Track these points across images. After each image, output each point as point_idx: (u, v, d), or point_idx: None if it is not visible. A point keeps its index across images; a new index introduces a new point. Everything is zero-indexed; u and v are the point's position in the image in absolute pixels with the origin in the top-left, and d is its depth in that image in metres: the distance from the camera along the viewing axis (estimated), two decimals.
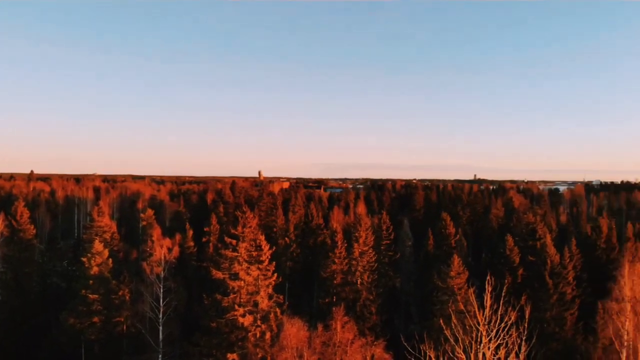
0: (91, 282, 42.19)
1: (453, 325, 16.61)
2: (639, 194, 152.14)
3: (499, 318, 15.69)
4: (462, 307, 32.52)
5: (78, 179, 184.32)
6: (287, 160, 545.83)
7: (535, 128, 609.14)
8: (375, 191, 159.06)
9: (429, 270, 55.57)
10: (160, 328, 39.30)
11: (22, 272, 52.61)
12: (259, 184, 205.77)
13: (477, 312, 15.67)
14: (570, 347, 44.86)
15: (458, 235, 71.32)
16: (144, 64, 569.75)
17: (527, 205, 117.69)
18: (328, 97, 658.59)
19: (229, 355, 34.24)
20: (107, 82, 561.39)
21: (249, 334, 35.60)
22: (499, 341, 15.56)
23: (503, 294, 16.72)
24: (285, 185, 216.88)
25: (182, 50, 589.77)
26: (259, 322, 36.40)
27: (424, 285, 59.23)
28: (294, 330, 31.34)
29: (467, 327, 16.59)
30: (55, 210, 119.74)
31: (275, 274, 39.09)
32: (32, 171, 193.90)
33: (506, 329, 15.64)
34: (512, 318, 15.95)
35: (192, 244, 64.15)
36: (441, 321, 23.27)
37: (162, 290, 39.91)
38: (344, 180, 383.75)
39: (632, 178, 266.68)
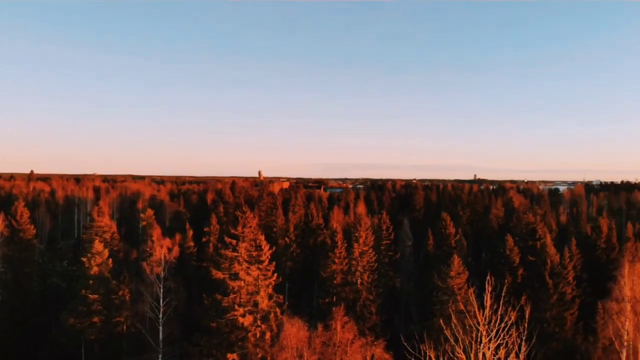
0: (91, 282, 42.20)
1: (453, 325, 16.62)
2: (639, 194, 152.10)
3: (499, 318, 15.69)
4: (462, 307, 32.52)
5: (78, 179, 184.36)
6: (287, 160, 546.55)
7: (535, 128, 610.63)
8: (375, 191, 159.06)
9: (429, 270, 55.58)
10: (160, 328, 39.31)
11: (22, 272, 52.62)
12: (259, 184, 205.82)
13: (477, 312, 15.68)
14: (570, 347, 44.86)
15: (458, 235, 71.33)
16: (144, 64, 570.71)
17: (527, 205, 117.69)
18: (328, 97, 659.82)
19: (229, 355, 34.24)
20: (106, 82, 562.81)
21: (249, 334, 35.61)
22: (499, 341, 15.57)
23: (503, 294, 16.72)
24: (285, 185, 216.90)
25: (182, 50, 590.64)
26: (259, 322, 36.41)
27: (424, 285, 59.25)
28: (294, 330, 31.33)
29: (467, 327, 16.60)
30: (55, 210, 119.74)
31: (275, 274, 39.10)
32: (32, 171, 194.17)
33: (506, 329, 15.65)
34: (512, 318, 15.96)
35: (192, 244, 64.14)
36: (441, 321, 23.27)
37: (162, 290, 39.92)
38: (344, 180, 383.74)
39: (632, 178, 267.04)
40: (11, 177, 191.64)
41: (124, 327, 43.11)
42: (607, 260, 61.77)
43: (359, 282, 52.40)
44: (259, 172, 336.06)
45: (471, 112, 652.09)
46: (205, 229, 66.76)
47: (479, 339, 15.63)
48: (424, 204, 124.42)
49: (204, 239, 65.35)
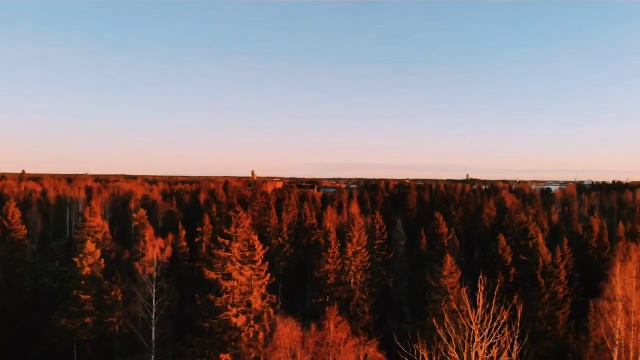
0: (83, 282, 42.00)
1: (446, 324, 16.66)
2: (630, 194, 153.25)
3: (491, 317, 15.74)
4: (455, 306, 32.57)
5: (70, 179, 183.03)
6: (281, 160, 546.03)
7: (527, 128, 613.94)
8: (369, 191, 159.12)
9: (422, 270, 55.72)
10: (153, 329, 39.18)
11: (13, 273, 52.28)
12: (253, 184, 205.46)
13: (469, 312, 15.72)
14: (562, 346, 45.13)
15: (451, 235, 71.57)
16: (139, 64, 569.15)
17: (519, 205, 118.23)
18: (322, 98, 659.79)
19: (222, 355, 34.14)
20: (100, 82, 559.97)
21: (242, 334, 35.53)
22: (491, 340, 15.62)
23: (495, 294, 16.78)
24: (279, 185, 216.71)
25: (178, 50, 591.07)
26: (252, 323, 36.33)
27: (417, 285, 59.40)
28: (288, 330, 31.29)
29: (460, 326, 16.64)
30: (47, 210, 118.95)
31: (269, 274, 39.04)
32: (23, 171, 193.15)
33: (499, 328, 15.70)
34: (505, 317, 16.01)
35: (185, 244, 63.98)
36: (434, 320, 23.35)
37: (154, 291, 39.79)
38: (338, 180, 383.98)
39: (624, 178, 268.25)
40: (2, 177, 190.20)
41: (117, 328, 42.93)
42: (598, 260, 62.22)
43: (352, 282, 52.43)
44: (253, 172, 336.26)
45: (464, 113, 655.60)
46: (198, 229, 66.60)
47: (471, 338, 15.67)
48: (417, 204, 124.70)
49: (197, 240, 65.19)
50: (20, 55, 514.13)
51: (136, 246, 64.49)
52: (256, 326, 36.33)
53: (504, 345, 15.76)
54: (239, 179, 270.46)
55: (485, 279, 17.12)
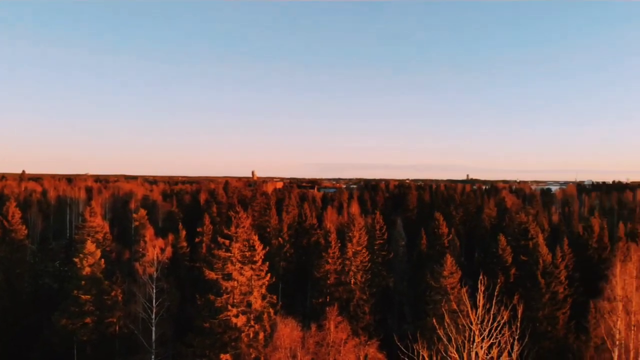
0: (83, 282, 41.99)
1: (446, 324, 16.65)
2: (630, 194, 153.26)
3: (491, 317, 15.74)
4: (455, 306, 32.55)
5: (70, 179, 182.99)
6: (281, 160, 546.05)
7: (527, 128, 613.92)
8: (369, 191, 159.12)
9: (422, 270, 55.70)
10: (153, 329, 39.17)
11: (13, 273, 52.27)
12: (253, 184, 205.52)
13: (469, 312, 15.72)
14: (562, 346, 45.12)
15: (451, 235, 71.58)
16: (139, 64, 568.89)
17: (519, 205, 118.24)
18: (322, 98, 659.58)
19: (222, 355, 34.13)
20: (99, 82, 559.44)
21: (242, 334, 35.52)
22: (491, 340, 15.62)
23: (495, 294, 16.78)
24: (279, 185, 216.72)
25: (178, 50, 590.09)
26: (252, 323, 36.32)
27: (417, 285, 59.39)
28: (288, 330, 31.28)
29: (460, 326, 16.64)
30: (47, 210, 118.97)
31: (269, 274, 39.03)
32: (23, 171, 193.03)
33: (499, 328, 15.70)
34: (505, 317, 16.01)
35: (185, 244, 63.96)
36: (434, 320, 23.34)
37: (154, 291, 39.78)
38: (338, 180, 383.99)
39: (624, 178, 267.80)
40: (2, 177, 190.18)
41: (117, 328, 42.92)
42: (598, 260, 62.21)
43: (352, 282, 52.43)
44: (253, 172, 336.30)
45: (464, 113, 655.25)
46: (198, 229, 66.60)
47: (471, 338, 15.67)
48: (417, 204, 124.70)
49: (197, 240, 65.19)
50: (20, 55, 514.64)
51: (136, 246, 64.47)
52: (256, 326, 36.33)
53: (504, 345, 15.76)
54: (239, 179, 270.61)
55: (485, 279, 17.12)
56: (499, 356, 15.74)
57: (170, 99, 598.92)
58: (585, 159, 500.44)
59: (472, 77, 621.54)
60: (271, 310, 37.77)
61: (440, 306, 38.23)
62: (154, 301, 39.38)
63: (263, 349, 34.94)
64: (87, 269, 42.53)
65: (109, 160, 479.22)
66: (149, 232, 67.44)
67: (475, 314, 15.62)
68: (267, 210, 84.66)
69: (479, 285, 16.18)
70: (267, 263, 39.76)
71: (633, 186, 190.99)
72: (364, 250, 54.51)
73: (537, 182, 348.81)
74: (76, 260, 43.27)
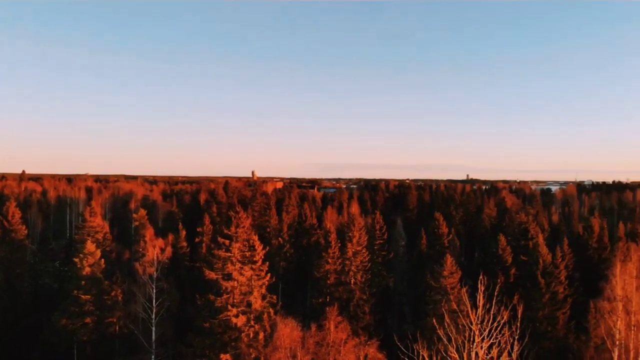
0: (83, 282, 41.99)
1: (446, 324, 16.65)
2: (630, 194, 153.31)
3: (491, 317, 15.74)
4: (455, 306, 32.56)
5: (70, 179, 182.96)
6: (281, 160, 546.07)
7: (527, 128, 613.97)
8: (369, 191, 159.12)
9: (422, 270, 55.70)
10: (153, 329, 39.16)
11: (13, 273, 52.27)
12: (253, 184, 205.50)
13: (469, 312, 15.72)
14: (562, 346, 45.13)
15: (451, 235, 71.58)
16: (138, 63, 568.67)
17: (519, 205, 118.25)
18: (321, 98, 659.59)
19: (222, 355, 34.13)
20: (100, 82, 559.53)
21: (242, 334, 35.52)
22: (491, 340, 15.62)
23: (495, 294, 16.78)
24: (279, 185, 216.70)
25: (178, 50, 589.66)
26: (252, 323, 36.32)
27: (417, 285, 59.39)
28: (288, 330, 31.29)
29: (460, 326, 16.64)
30: (47, 210, 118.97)
31: (269, 274, 39.03)
32: (23, 171, 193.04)
33: (499, 328, 15.70)
34: (505, 317, 16.01)
35: (185, 244, 63.96)
36: (434, 320, 23.35)
37: (154, 291, 39.77)
38: (338, 180, 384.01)
39: (624, 178, 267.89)
40: (2, 177, 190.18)
41: (117, 328, 42.92)
42: (598, 260, 62.21)
43: (352, 282, 52.42)
44: (253, 172, 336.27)
45: (464, 113, 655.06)
46: (198, 229, 66.59)
47: (471, 338, 15.67)
48: (417, 204, 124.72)
49: (197, 240, 65.19)
50: (20, 55, 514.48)
51: (136, 246, 64.47)
52: (256, 326, 36.33)
53: (504, 345, 15.76)
54: (239, 179, 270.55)
55: (485, 279, 17.12)
56: (499, 356, 15.74)
57: (169, 99, 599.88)
58: (585, 159, 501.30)
59: (472, 77, 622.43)
60: (271, 310, 37.77)
61: (440, 306, 38.23)
62: (154, 301, 39.38)
63: (263, 349, 34.94)
64: (87, 269, 42.53)
65: (109, 160, 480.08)
66: (149, 232, 67.45)
67: (475, 314, 15.62)
68: (267, 210, 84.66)
69: (479, 285, 16.18)
70: (267, 263, 39.77)
71: (633, 186, 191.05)
72: (364, 250, 54.51)
73: (537, 182, 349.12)
74: (76, 260, 43.27)
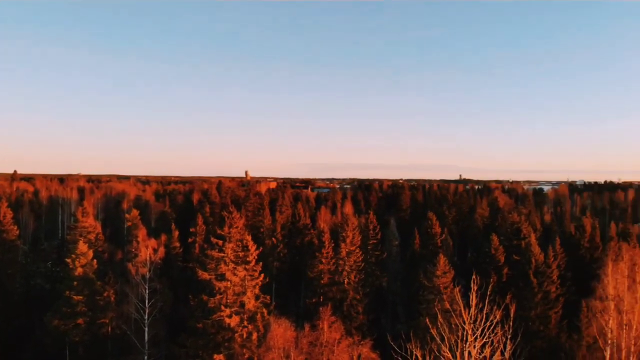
0: (75, 283, 41.79)
1: (439, 324, 16.67)
2: (622, 194, 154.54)
3: (484, 317, 15.78)
4: (448, 306, 32.71)
5: (62, 179, 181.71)
6: (274, 160, 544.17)
7: (519, 128, 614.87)
8: (362, 191, 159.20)
9: (415, 270, 55.86)
10: (146, 329, 39.05)
11: (5, 274, 52.00)
12: (246, 184, 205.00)
13: (462, 311, 15.76)
14: (554, 345, 45.37)
15: (444, 235, 71.80)
16: (137, 63, 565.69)
17: (511, 205, 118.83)
18: (315, 98, 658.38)
19: (215, 356, 34.09)
20: (93, 82, 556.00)
21: (236, 334, 35.48)
22: (484, 340, 15.66)
23: (488, 293, 16.81)
24: (272, 185, 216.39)
25: (178, 50, 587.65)
26: (245, 323, 36.29)
27: (410, 285, 59.53)
28: (281, 330, 31.29)
29: (453, 325, 16.69)
30: (39, 210, 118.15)
31: (262, 275, 39.02)
32: (15, 171, 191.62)
33: (491, 328, 15.74)
34: (498, 317, 16.06)
35: (177, 244, 63.77)
36: (427, 320, 23.34)
37: (147, 291, 39.64)
38: (331, 180, 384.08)
39: (615, 178, 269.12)
40: None
41: (109, 329, 42.74)
42: (590, 259, 62.58)
43: (346, 282, 52.46)
44: (246, 172, 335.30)
45: (457, 112, 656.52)
46: (191, 230, 66.40)
47: (464, 338, 15.71)
48: (411, 204, 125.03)
49: (189, 240, 65.00)
50: (20, 55, 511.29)
51: (129, 246, 64.23)
52: (249, 326, 36.30)
53: (496, 345, 15.81)
54: (233, 179, 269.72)
55: (478, 278, 17.15)
56: (491, 355, 15.79)
57: (163, 99, 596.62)
58: (577, 159, 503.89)
59: (465, 78, 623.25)
60: (264, 311, 37.77)
61: (434, 306, 38.38)
62: (146, 302, 39.25)
63: (256, 349, 34.92)
64: (80, 270, 42.33)
65: (101, 160, 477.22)
66: (142, 232, 67.17)
67: (468, 313, 15.65)
68: (260, 210, 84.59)
69: (472, 285, 16.21)
70: (261, 263, 39.75)
71: (625, 186, 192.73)
72: (357, 250, 54.54)
73: (529, 182, 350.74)
74: (68, 260, 43.07)
